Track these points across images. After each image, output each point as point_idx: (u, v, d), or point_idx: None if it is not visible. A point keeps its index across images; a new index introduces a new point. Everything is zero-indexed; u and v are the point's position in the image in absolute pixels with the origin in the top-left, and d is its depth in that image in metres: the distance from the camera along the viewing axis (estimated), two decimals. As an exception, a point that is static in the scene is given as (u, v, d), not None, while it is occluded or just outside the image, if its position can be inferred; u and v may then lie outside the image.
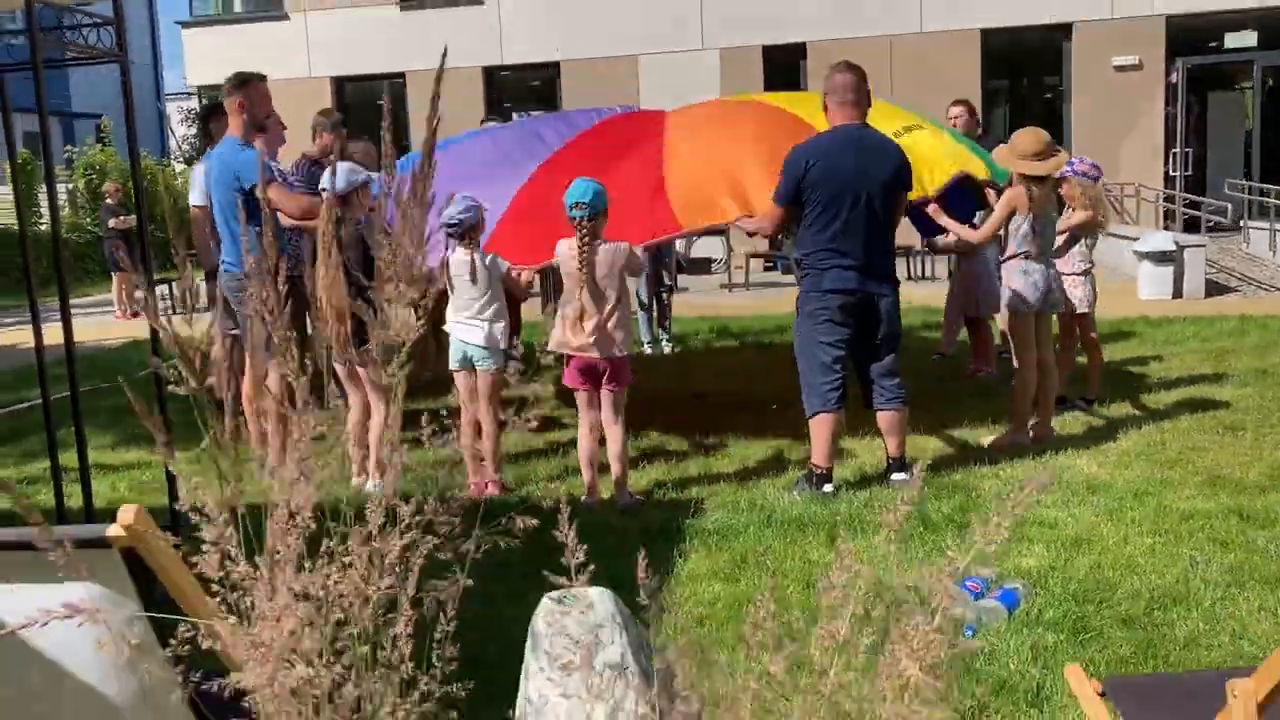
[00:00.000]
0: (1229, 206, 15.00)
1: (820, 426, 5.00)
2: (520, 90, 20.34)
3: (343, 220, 5.25)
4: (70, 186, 23.65)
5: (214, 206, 5.78)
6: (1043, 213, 5.62)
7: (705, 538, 4.42)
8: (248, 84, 5.73)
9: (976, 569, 3.66)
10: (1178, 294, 12.05)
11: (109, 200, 15.10)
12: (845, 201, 4.81)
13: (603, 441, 5.16)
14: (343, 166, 5.47)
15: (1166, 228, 15.40)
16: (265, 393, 5.97)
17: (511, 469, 5.67)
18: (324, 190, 5.28)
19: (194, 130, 37.20)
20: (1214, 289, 12.44)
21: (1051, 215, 5.76)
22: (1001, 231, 5.76)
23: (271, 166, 5.69)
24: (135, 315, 14.37)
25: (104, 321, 14.48)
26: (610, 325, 4.89)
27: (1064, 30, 16.99)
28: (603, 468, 5.21)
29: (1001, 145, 5.83)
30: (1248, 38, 17.92)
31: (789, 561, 4.09)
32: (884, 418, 5.11)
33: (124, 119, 4.15)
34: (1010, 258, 5.63)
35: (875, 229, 4.89)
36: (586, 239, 4.82)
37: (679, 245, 13.65)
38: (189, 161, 34.37)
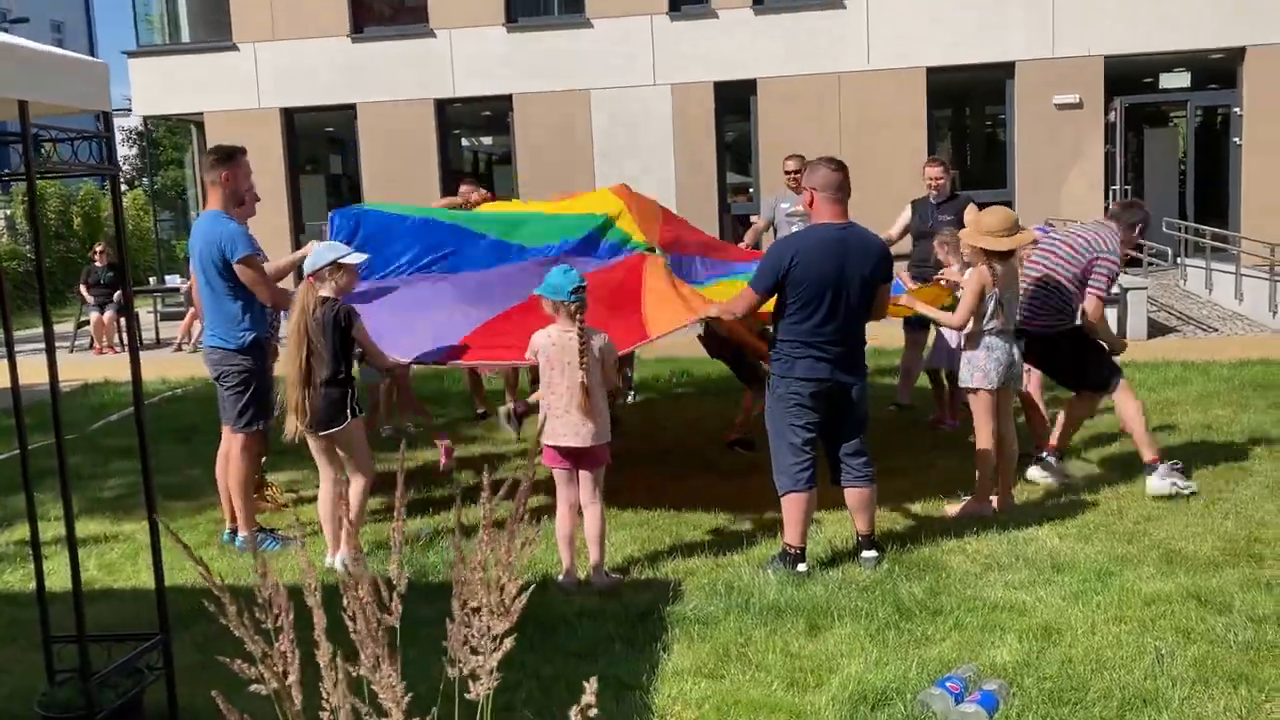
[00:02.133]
0: (1169, 250, 15.46)
1: (792, 506, 5.11)
2: (472, 121, 20.37)
3: (316, 300, 5.29)
4: (8, 213, 23.22)
5: (198, 278, 5.77)
6: (1007, 288, 5.77)
7: (685, 626, 4.49)
8: (233, 158, 5.76)
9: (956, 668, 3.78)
10: (1120, 334, 12.41)
11: (97, 263, 15.70)
12: (825, 298, 4.93)
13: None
14: (321, 245, 5.49)
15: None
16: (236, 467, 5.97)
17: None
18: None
19: (134, 151, 36.68)
20: (1155, 329, 12.83)
21: (1015, 290, 5.91)
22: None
23: (256, 244, 5.71)
24: (102, 351, 15.00)
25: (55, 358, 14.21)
26: (596, 414, 4.94)
27: (1006, 69, 17.41)
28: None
29: (964, 229, 5.98)
30: (1181, 78, 18.52)
31: (770, 655, 4.17)
32: (852, 495, 5.23)
33: (114, 226, 4.13)
34: (975, 333, 5.77)
35: (852, 323, 5.03)
36: (584, 325, 4.87)
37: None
38: (130, 183, 33.84)
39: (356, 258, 5.44)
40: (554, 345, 4.94)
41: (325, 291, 5.29)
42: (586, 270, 5.75)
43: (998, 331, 5.73)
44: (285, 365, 5.24)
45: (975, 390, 5.77)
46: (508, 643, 1.54)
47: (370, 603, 1.58)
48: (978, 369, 5.75)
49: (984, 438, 5.82)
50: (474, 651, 1.51)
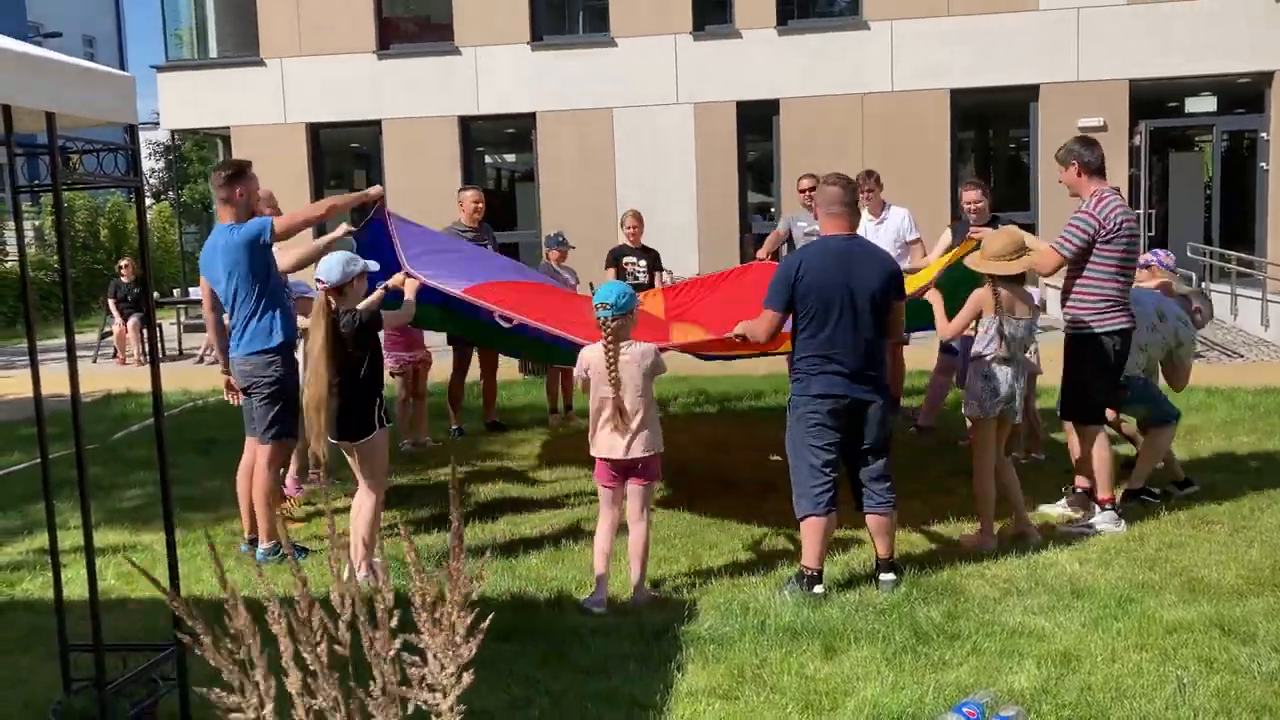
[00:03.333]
0: (1194, 275, 15.38)
1: (810, 530, 5.08)
2: (496, 138, 20.47)
3: (339, 311, 5.29)
4: (37, 224, 23.43)
5: (220, 297, 5.78)
6: (1011, 314, 5.60)
7: (700, 646, 4.46)
8: (245, 173, 5.79)
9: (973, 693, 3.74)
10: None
11: (123, 278, 16.06)
12: (835, 310, 4.96)
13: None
14: (339, 256, 5.47)
15: (1131, 289, 15.72)
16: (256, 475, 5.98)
17: (502, 562, 5.70)
18: (320, 281, 5.30)
19: (160, 165, 37.00)
20: (1179, 354, 12.70)
21: (1027, 318, 5.70)
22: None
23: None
24: (125, 361, 15.23)
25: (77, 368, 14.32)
26: (642, 425, 4.93)
27: (1031, 91, 17.35)
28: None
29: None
30: (1207, 102, 18.42)
31: (785, 676, 4.14)
32: (873, 521, 5.20)
33: (139, 239, 4.14)
34: (975, 359, 5.68)
35: (865, 337, 5.02)
36: (612, 340, 4.89)
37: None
38: (156, 196, 34.15)
39: (374, 265, 5.49)
40: (597, 360, 4.98)
41: (345, 304, 5.30)
42: None
43: (998, 360, 5.59)
44: (311, 385, 5.16)
45: (972, 417, 5.69)
46: (466, 678, 1.53)
47: (367, 620, 1.57)
48: (974, 397, 5.67)
49: (982, 467, 5.70)
50: (431, 689, 1.51)
